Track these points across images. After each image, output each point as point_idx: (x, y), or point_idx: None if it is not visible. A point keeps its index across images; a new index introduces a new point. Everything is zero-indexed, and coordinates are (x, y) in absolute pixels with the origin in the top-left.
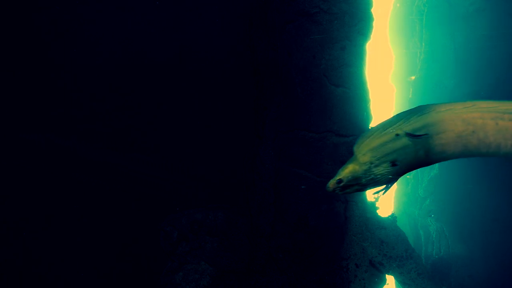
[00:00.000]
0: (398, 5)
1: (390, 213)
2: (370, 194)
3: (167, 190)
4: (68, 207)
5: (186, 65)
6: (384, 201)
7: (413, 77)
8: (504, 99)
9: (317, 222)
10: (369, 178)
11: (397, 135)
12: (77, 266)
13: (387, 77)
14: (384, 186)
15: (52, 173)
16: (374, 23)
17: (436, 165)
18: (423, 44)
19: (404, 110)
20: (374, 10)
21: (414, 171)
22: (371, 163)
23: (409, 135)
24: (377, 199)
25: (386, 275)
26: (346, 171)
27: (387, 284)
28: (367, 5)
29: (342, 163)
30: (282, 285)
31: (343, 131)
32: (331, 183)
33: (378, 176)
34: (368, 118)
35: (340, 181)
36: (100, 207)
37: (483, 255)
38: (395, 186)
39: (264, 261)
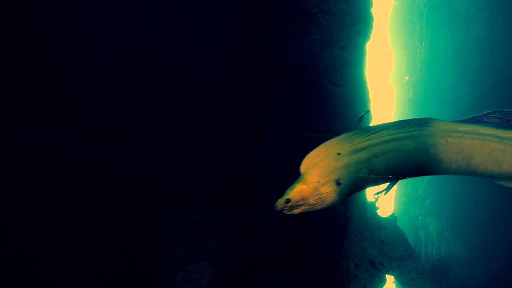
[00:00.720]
0: (397, 4)
1: (390, 213)
2: (370, 194)
3: (167, 190)
4: (68, 207)
5: (186, 65)
6: (384, 201)
7: (407, 77)
8: (504, 99)
9: (317, 222)
10: (316, 197)
11: (338, 153)
12: (77, 266)
13: (387, 77)
14: (386, 186)
15: (52, 173)
16: (374, 23)
17: None
18: (423, 44)
19: (403, 109)
20: (374, 10)
21: None
22: (318, 182)
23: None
24: (377, 199)
25: (386, 275)
26: (294, 191)
27: (392, 282)
28: (367, 5)
29: None
30: (282, 285)
31: (343, 131)
32: (279, 203)
33: (324, 195)
34: (368, 118)
35: (288, 200)
36: (100, 207)
37: (483, 255)
38: (395, 186)
39: (264, 261)
